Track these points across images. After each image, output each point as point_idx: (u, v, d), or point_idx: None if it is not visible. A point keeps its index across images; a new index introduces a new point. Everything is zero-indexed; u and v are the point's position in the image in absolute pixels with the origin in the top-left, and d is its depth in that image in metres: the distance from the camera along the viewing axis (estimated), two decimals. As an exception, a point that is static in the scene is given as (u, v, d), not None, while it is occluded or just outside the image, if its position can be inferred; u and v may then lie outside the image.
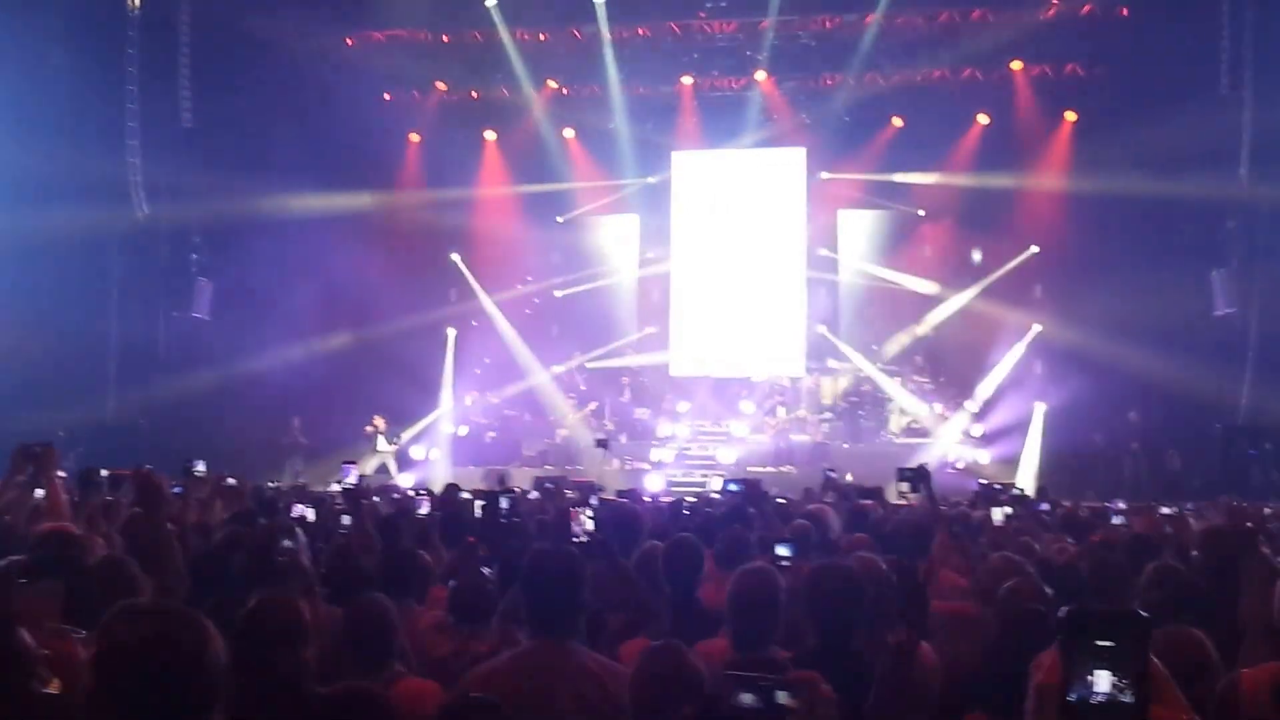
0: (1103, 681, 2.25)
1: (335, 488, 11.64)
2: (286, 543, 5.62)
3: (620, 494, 11.33)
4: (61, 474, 7.61)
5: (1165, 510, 11.22)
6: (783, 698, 2.64)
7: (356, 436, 21.85)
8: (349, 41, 23.82)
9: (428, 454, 23.28)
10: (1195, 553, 7.24)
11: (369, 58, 23.67)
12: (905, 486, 8.79)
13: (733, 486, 10.44)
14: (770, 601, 4.30)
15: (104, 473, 9.18)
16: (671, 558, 5.47)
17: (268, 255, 21.59)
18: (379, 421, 22.32)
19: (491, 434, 23.54)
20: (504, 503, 8.71)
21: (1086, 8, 21.69)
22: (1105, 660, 2.26)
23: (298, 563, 5.47)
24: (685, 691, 3.35)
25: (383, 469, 21.95)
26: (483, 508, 8.71)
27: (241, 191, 21.08)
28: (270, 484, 12.95)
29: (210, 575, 5.58)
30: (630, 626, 5.19)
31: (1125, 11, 21.50)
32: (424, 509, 9.14)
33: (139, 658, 2.56)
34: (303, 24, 21.34)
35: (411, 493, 13.57)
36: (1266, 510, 12.26)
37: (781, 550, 5.82)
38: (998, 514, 8.78)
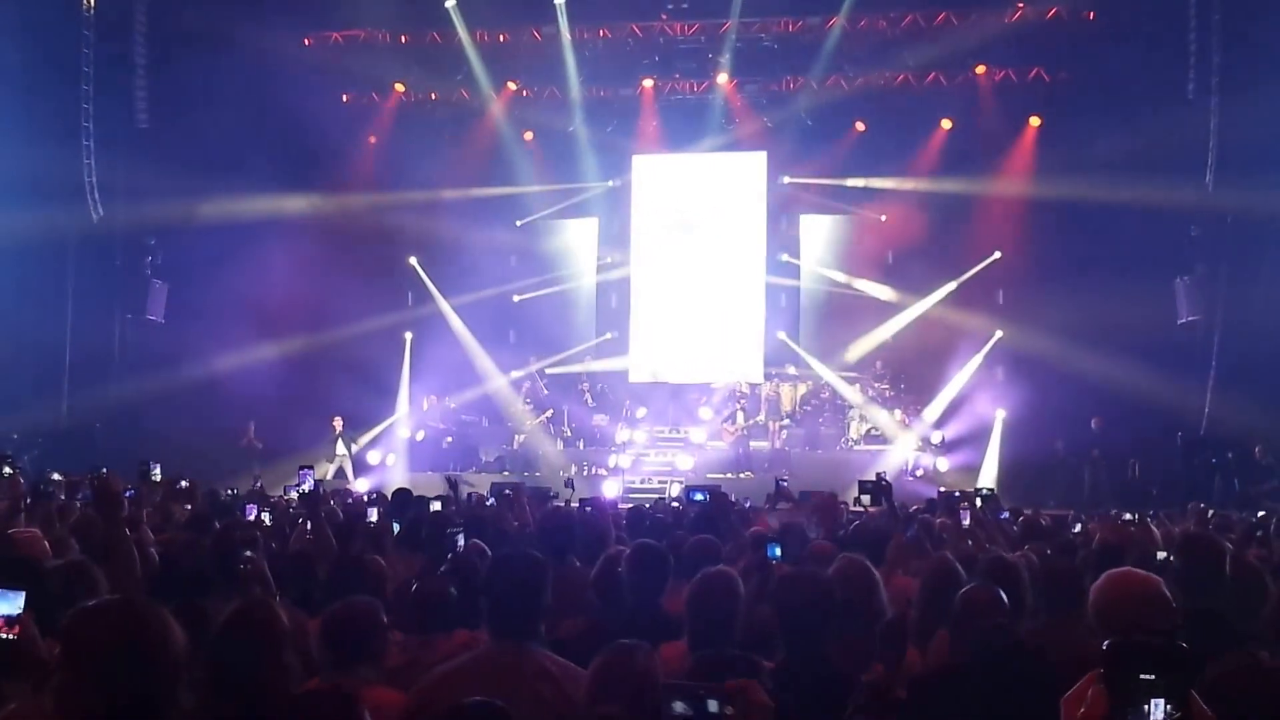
0: (1158, 711, 2.25)
1: (293, 494, 11.46)
2: (248, 552, 5.51)
3: (583, 501, 11.13)
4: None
5: (1127, 516, 11.22)
6: (714, 706, 2.66)
7: (313, 441, 21.62)
8: (307, 42, 23.57)
9: (384, 459, 23.07)
10: (1163, 555, 7.19)
11: (327, 58, 23.41)
12: (866, 499, 8.80)
13: (698, 496, 10.31)
14: (729, 603, 4.38)
15: (55, 476, 9.16)
16: (637, 564, 5.42)
17: (224, 258, 21.34)
18: (337, 423, 22.10)
19: (449, 439, 23.33)
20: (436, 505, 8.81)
21: (1052, 11, 21.71)
22: (1154, 691, 2.25)
23: (260, 571, 5.51)
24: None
25: (340, 473, 21.73)
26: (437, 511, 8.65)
27: (198, 193, 20.92)
28: (228, 490, 12.76)
29: (170, 580, 5.62)
30: (589, 634, 5.05)
31: (1091, 15, 21.54)
32: (373, 515, 9.07)
33: (101, 649, 2.68)
34: (260, 24, 21.06)
35: (364, 497, 13.43)
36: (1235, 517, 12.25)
37: (773, 551, 5.78)
38: (967, 518, 8.71)
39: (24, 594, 3.58)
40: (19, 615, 3.54)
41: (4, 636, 3.51)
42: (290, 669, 3.66)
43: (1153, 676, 2.24)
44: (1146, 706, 2.22)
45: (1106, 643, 2.33)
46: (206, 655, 3.45)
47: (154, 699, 2.69)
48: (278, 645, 3.60)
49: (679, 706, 2.67)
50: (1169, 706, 2.22)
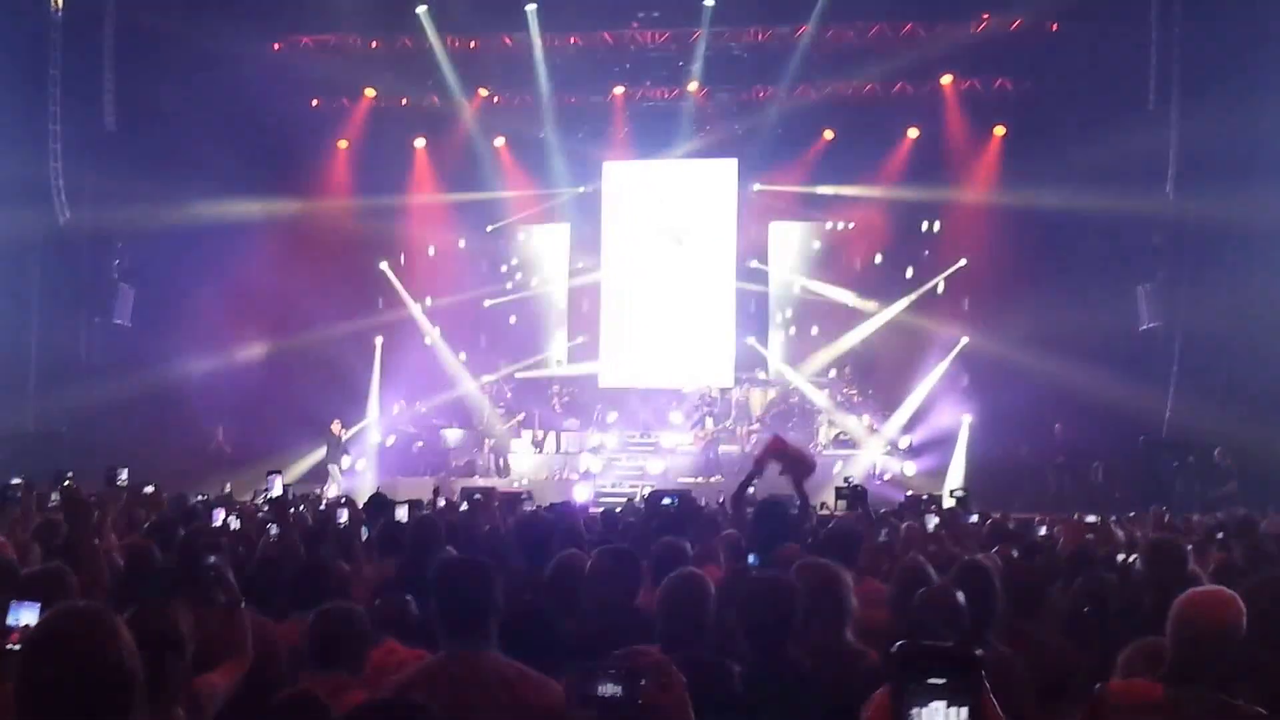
0: (937, 714, 2.21)
1: (262, 498, 11.48)
2: (211, 558, 5.51)
3: (552, 505, 11.20)
4: None
5: (1090, 519, 11.35)
6: (644, 681, 2.76)
7: (282, 446, 21.52)
8: (276, 46, 23.50)
9: (354, 464, 23.02)
10: (1121, 557, 7.31)
11: (297, 63, 23.36)
12: (844, 504, 8.92)
13: (666, 501, 10.30)
14: (699, 605, 4.36)
15: (16, 481, 9.10)
16: (609, 567, 5.43)
17: (192, 261, 21.26)
18: (336, 427, 22.00)
19: (419, 444, 23.34)
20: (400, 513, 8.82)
21: (1016, 23, 21.93)
22: (941, 695, 2.21)
23: (223, 577, 5.39)
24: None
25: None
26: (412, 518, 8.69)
27: (165, 196, 20.76)
28: (199, 496, 12.72)
29: (133, 586, 5.57)
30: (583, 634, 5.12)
31: (1055, 27, 21.80)
32: (343, 516, 9.10)
33: (51, 655, 2.65)
34: (229, 28, 21.02)
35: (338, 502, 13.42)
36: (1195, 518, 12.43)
37: (751, 559, 5.83)
38: (932, 522, 8.85)
39: (39, 605, 3.62)
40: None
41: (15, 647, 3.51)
42: (179, 674, 3.65)
43: (942, 680, 2.20)
44: (922, 709, 2.20)
45: (894, 645, 2.31)
46: None
47: (107, 708, 2.67)
48: (168, 650, 3.58)
49: (609, 689, 2.73)
50: (951, 710, 2.19)
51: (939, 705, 2.19)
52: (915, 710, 2.20)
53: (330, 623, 4.53)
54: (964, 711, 2.19)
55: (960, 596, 4.73)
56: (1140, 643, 4.19)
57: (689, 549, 6.08)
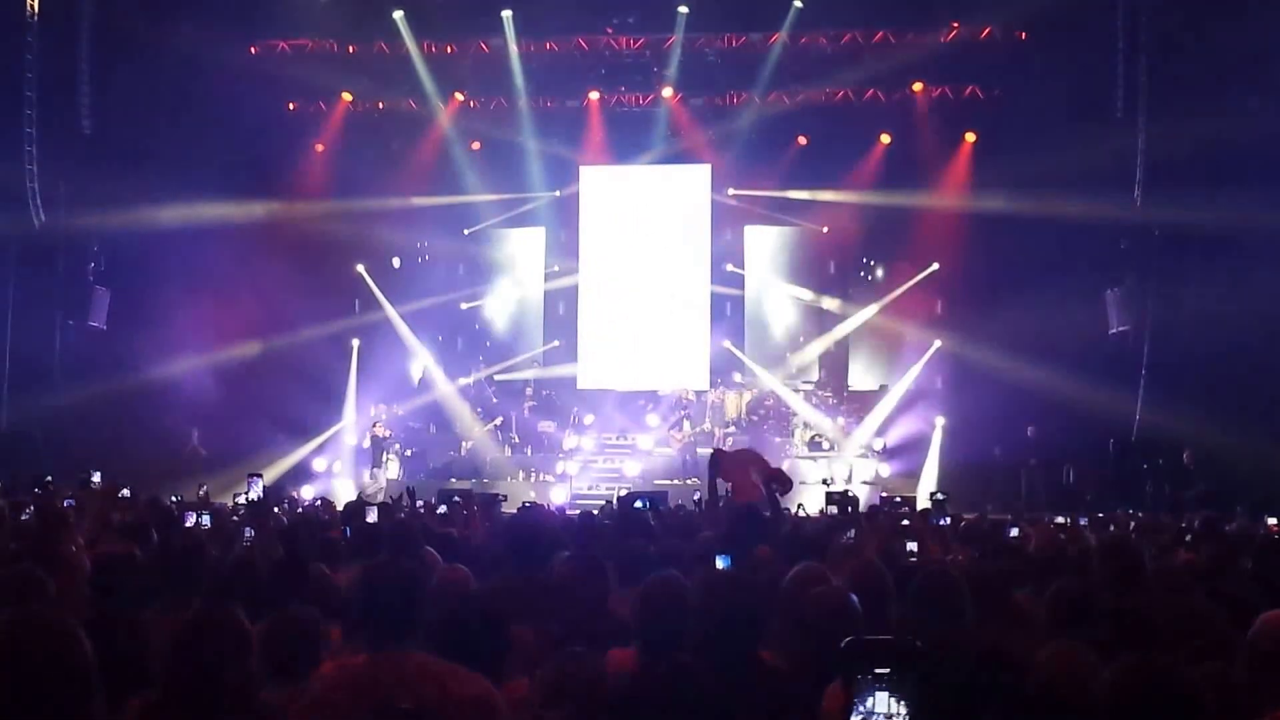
0: (880, 703, 2.34)
1: (241, 498, 11.49)
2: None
3: (523, 507, 11.29)
4: None
5: (1060, 520, 11.51)
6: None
7: (256, 449, 21.50)
8: (253, 50, 23.50)
9: (330, 466, 23.05)
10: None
11: (273, 67, 23.33)
12: (834, 509, 9.06)
13: (638, 504, 10.35)
14: (678, 608, 4.33)
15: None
16: (581, 571, 5.45)
17: (167, 264, 21.22)
18: (380, 430, 21.96)
19: (395, 446, 23.36)
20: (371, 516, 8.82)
21: (985, 31, 22.13)
22: (884, 686, 2.35)
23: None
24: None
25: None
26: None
27: (141, 200, 20.70)
28: (174, 498, 12.72)
29: (108, 590, 5.57)
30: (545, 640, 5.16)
31: (1023, 35, 22.00)
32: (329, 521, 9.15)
33: (6, 662, 2.67)
34: (206, 32, 21.01)
35: (318, 503, 13.47)
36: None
37: (720, 562, 5.84)
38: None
39: None
40: None
41: None
42: (255, 676, 3.59)
43: (886, 670, 2.34)
44: (871, 700, 2.34)
45: (845, 640, 2.43)
46: (165, 662, 3.41)
47: (63, 715, 2.70)
48: (242, 651, 3.55)
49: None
50: (894, 700, 2.33)
51: (883, 695, 2.33)
52: (862, 699, 2.34)
53: (288, 630, 4.42)
54: (903, 702, 2.33)
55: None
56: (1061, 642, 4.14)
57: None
